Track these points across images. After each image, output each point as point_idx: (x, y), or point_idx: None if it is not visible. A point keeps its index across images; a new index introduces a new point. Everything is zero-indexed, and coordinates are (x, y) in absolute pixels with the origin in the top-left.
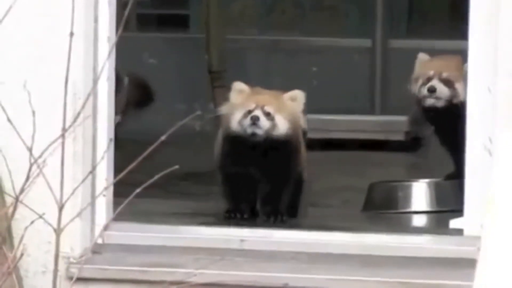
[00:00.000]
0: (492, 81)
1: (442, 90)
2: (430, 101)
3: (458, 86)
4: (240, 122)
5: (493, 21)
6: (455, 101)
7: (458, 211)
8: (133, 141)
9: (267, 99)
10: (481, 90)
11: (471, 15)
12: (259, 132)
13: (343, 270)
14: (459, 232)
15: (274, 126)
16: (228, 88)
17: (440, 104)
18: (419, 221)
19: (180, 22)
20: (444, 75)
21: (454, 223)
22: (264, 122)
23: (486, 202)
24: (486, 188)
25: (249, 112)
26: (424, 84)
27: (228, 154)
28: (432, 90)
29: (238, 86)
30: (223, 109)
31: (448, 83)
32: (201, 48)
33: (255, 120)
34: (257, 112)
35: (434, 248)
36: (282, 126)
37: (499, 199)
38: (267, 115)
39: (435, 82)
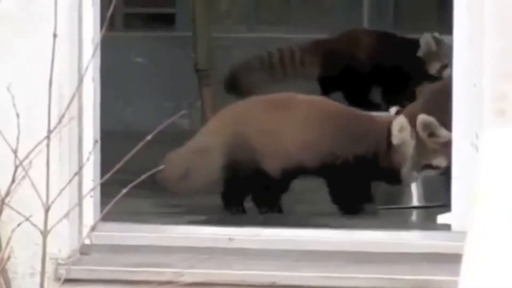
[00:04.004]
0: (477, 76)
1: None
2: None
3: None
4: None
5: (478, 14)
6: None
7: (446, 206)
8: (121, 138)
9: None
10: (467, 85)
11: (455, 8)
12: None
13: (331, 267)
14: (446, 227)
15: None
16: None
17: None
18: (407, 216)
19: (167, 21)
20: None
21: (441, 218)
22: None
23: (472, 198)
24: (474, 183)
25: None
26: None
27: None
28: None
29: None
30: None
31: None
32: (188, 47)
33: None
34: None
35: (422, 244)
36: None
37: (485, 195)
38: None
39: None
